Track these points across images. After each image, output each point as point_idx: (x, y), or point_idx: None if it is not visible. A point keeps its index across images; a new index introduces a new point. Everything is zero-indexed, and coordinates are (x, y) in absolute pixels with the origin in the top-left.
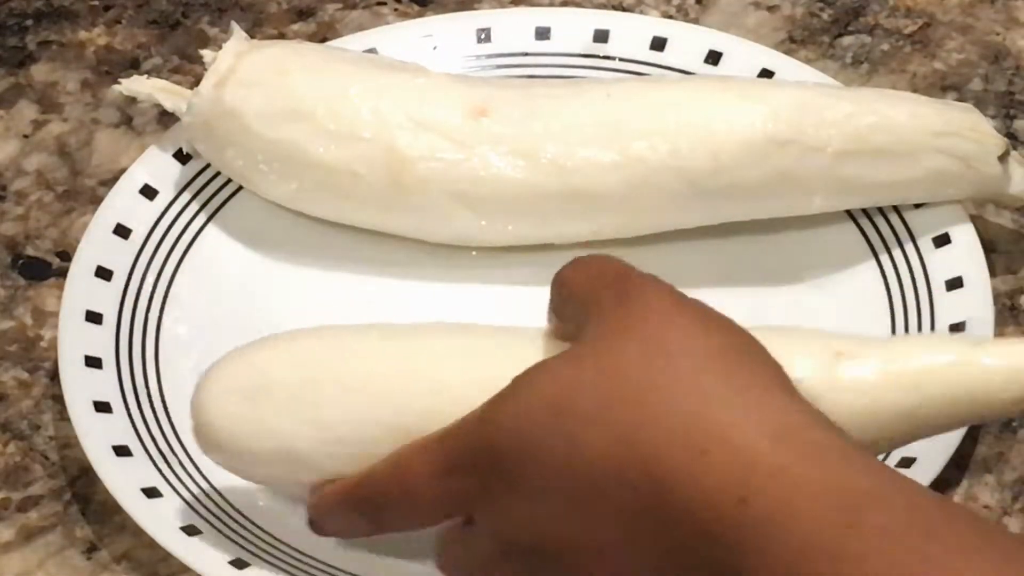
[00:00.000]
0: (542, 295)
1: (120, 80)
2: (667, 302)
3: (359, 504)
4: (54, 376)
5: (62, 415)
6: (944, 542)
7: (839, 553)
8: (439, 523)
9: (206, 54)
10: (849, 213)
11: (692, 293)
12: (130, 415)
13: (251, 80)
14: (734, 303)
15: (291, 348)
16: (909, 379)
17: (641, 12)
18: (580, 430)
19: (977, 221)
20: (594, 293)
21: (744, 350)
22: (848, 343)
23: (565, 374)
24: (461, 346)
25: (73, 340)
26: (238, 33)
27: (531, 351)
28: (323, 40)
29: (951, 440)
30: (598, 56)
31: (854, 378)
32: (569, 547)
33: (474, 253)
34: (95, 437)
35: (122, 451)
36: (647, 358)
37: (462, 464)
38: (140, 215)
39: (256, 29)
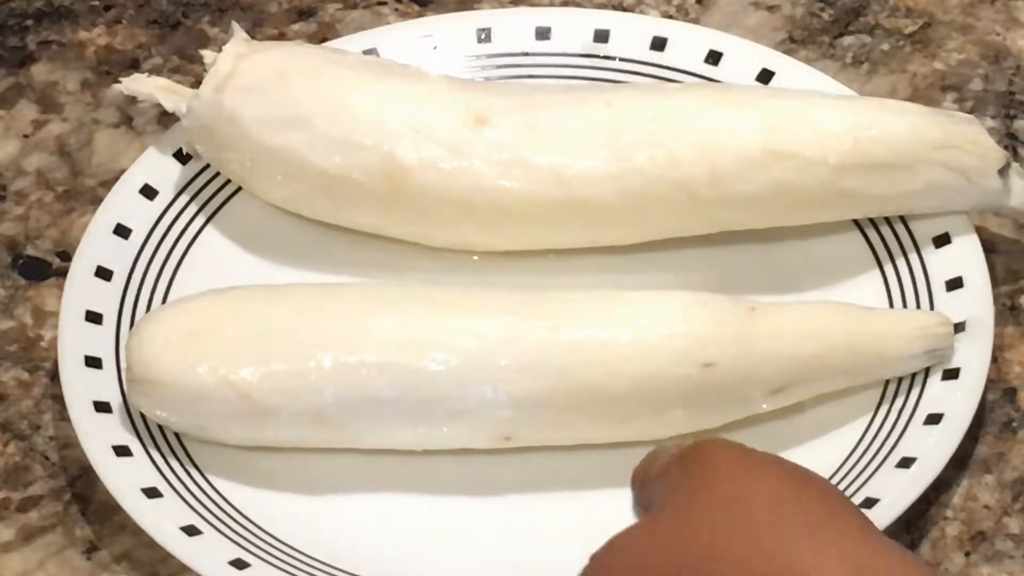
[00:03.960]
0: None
1: (120, 80)
2: (730, 456)
3: None
4: (54, 376)
5: (62, 415)
6: None
7: None
8: None
9: (206, 54)
10: None
11: None
12: (130, 415)
13: (250, 85)
14: None
15: (225, 295)
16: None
17: (641, 12)
18: None
19: (977, 222)
20: (664, 471)
21: (815, 490)
22: (759, 302)
23: (641, 540)
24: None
25: (73, 340)
26: (238, 34)
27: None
28: (323, 40)
29: (951, 440)
30: (598, 56)
31: (770, 325)
32: None
33: (476, 257)
34: (95, 437)
35: (122, 451)
36: (716, 512)
37: None
38: (140, 215)
39: (256, 29)
